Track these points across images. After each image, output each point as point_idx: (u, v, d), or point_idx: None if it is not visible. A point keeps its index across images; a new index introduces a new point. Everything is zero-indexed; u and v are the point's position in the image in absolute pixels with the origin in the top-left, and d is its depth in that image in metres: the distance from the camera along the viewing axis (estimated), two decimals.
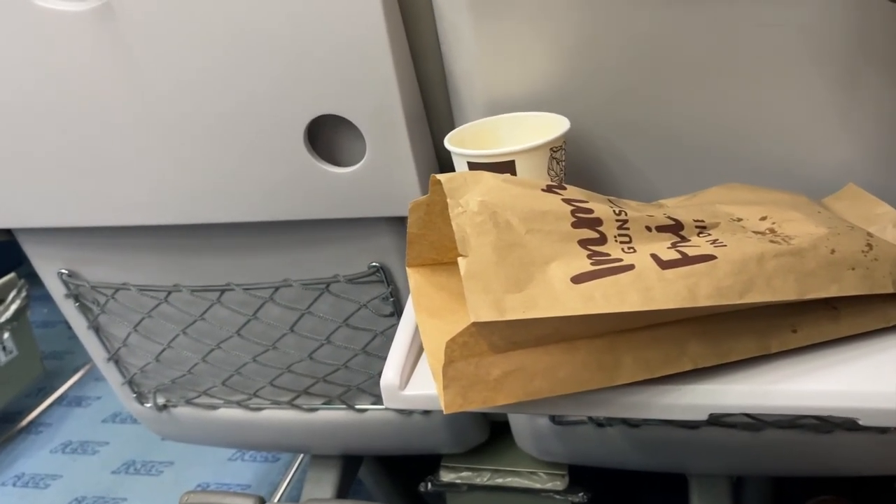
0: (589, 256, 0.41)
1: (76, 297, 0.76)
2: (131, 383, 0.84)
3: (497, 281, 0.38)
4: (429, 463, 0.91)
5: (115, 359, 0.81)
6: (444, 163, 0.59)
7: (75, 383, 1.63)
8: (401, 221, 0.64)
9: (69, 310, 0.78)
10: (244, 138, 0.58)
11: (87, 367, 1.68)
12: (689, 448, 0.74)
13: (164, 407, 0.86)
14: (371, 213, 0.60)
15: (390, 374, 0.46)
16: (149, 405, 0.85)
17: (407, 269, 0.50)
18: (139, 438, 1.43)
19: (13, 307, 1.41)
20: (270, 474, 1.28)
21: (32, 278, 1.48)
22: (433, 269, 0.50)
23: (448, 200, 0.41)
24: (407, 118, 0.55)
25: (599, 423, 0.73)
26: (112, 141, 0.61)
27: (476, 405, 0.39)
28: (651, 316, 0.40)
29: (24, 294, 1.43)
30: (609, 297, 0.38)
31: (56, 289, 0.76)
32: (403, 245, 0.66)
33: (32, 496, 1.32)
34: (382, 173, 0.57)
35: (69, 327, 1.86)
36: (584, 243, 0.41)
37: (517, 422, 0.79)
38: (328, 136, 0.59)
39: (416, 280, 0.49)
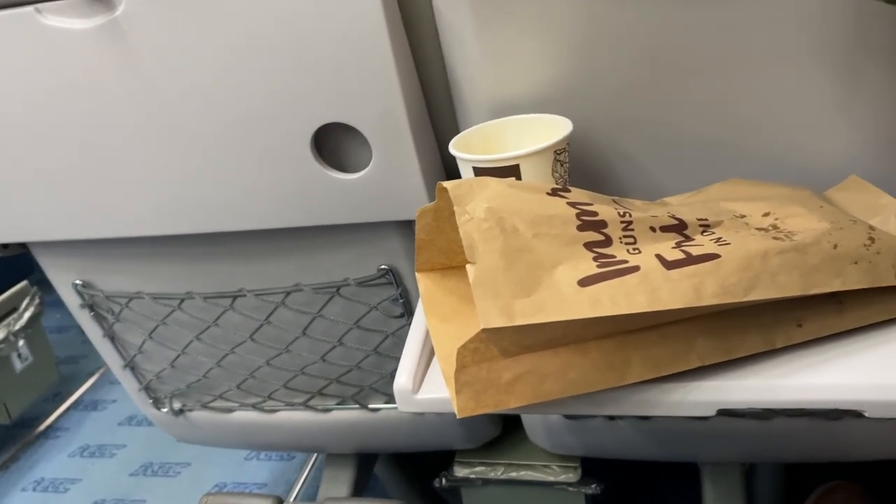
0: (595, 259, 0.41)
1: (91, 307, 0.77)
2: (147, 389, 0.85)
3: (506, 286, 0.39)
4: (444, 457, 0.92)
5: (130, 366, 0.83)
6: (450, 165, 0.60)
7: (91, 387, 1.65)
8: (408, 225, 0.65)
9: (84, 319, 0.79)
10: (252, 148, 0.59)
11: (101, 371, 1.70)
12: (700, 438, 0.75)
13: (181, 411, 0.87)
14: (379, 218, 0.61)
15: (403, 379, 0.47)
16: (165, 410, 0.87)
17: (416, 274, 0.51)
18: (156, 441, 1.45)
19: (27, 315, 1.43)
20: (286, 473, 1.30)
21: (45, 284, 1.49)
22: (443, 273, 0.51)
23: (455, 208, 0.42)
24: (411, 123, 0.56)
25: (610, 417, 0.74)
26: (124, 154, 0.62)
27: (488, 408, 0.40)
28: (658, 316, 0.40)
29: (37, 301, 1.44)
30: (616, 299, 0.39)
31: (71, 299, 0.78)
32: (412, 247, 0.67)
33: (53, 500, 1.34)
34: (389, 178, 0.58)
35: (83, 332, 1.88)
36: (589, 246, 0.42)
37: (529, 417, 0.80)
38: (334, 144, 0.59)
39: (425, 285, 0.50)
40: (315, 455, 1.32)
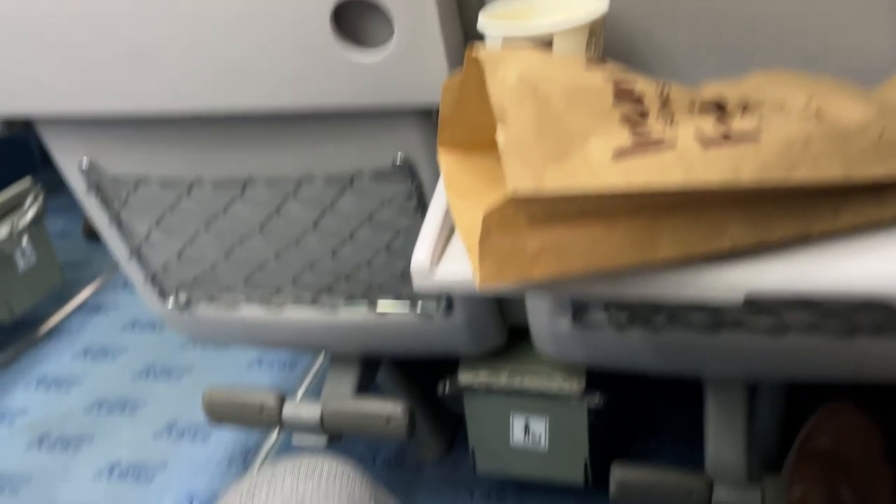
0: (630, 133, 0.40)
1: (97, 191, 0.75)
2: (153, 281, 0.84)
3: (537, 153, 0.37)
4: (446, 370, 0.92)
5: (136, 255, 0.82)
6: None
7: (94, 292, 1.65)
8: (427, 114, 0.62)
9: (91, 205, 0.78)
10: (268, 20, 0.56)
11: (105, 277, 1.70)
12: (709, 353, 0.74)
13: (186, 305, 0.86)
14: (397, 101, 0.59)
15: (421, 257, 0.45)
16: (171, 304, 0.86)
17: (438, 151, 0.49)
18: (158, 346, 1.46)
19: (30, 213, 1.41)
20: (289, 380, 1.31)
21: (49, 187, 1.48)
22: (465, 152, 0.49)
23: (486, 74, 0.40)
24: None
25: (619, 326, 0.73)
26: (133, 25, 0.59)
27: (511, 279, 0.39)
28: (692, 194, 0.39)
29: (40, 200, 1.43)
30: (650, 172, 0.37)
31: (77, 183, 0.76)
32: (430, 139, 0.65)
33: (56, 398, 1.36)
34: (410, 58, 0.56)
35: (86, 237, 1.87)
36: (625, 119, 0.40)
37: (536, 324, 0.80)
38: (355, 23, 0.57)
39: (447, 163, 0.48)
40: (318, 363, 1.33)
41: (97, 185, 0.75)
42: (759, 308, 0.67)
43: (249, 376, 1.34)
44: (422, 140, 0.65)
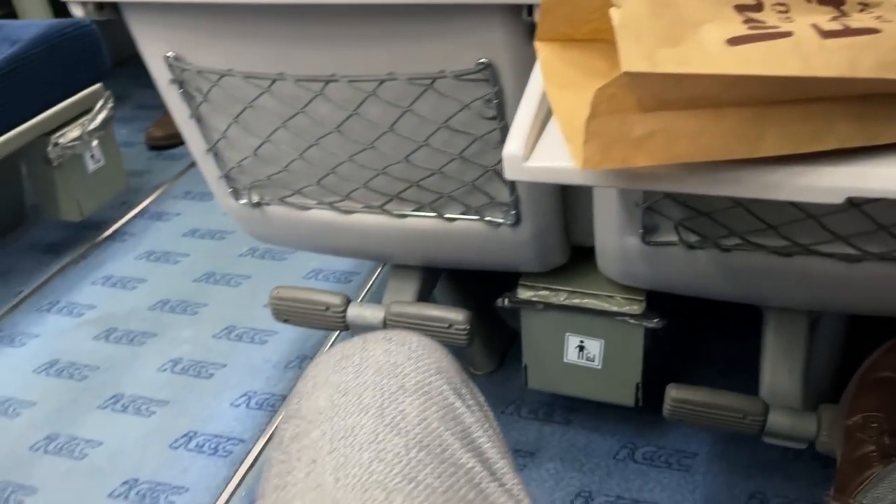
0: (745, 22, 0.39)
1: (181, 84, 0.77)
2: (228, 178, 0.86)
3: (650, 35, 0.37)
4: (503, 289, 0.94)
5: (213, 151, 0.83)
6: None
7: (156, 199, 1.69)
8: (515, 13, 0.62)
9: (172, 98, 0.79)
10: None
11: (166, 186, 1.74)
12: (778, 278, 0.74)
13: (258, 204, 0.89)
14: None
15: (514, 145, 0.46)
16: (243, 201, 0.88)
17: (536, 43, 0.49)
18: (218, 253, 1.50)
19: (100, 117, 1.45)
20: (345, 293, 1.33)
21: (116, 98, 1.51)
22: (564, 44, 0.48)
23: None
24: None
25: (690, 246, 0.73)
26: None
27: (615, 163, 0.39)
28: (805, 87, 0.38)
29: (110, 104, 1.46)
30: (766, 60, 0.37)
31: (161, 74, 0.77)
32: (515, 42, 0.65)
33: (122, 295, 1.41)
34: None
35: (149, 148, 1.92)
36: (740, 9, 0.40)
37: (603, 242, 0.80)
38: None
39: (545, 54, 0.48)
40: (373, 278, 1.35)
41: (181, 77, 0.76)
42: (837, 234, 0.66)
43: (308, 285, 1.37)
44: (506, 44, 0.64)
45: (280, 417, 1.11)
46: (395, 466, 0.36)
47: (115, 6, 0.72)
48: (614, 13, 0.37)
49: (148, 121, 1.93)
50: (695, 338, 1.17)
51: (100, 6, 0.70)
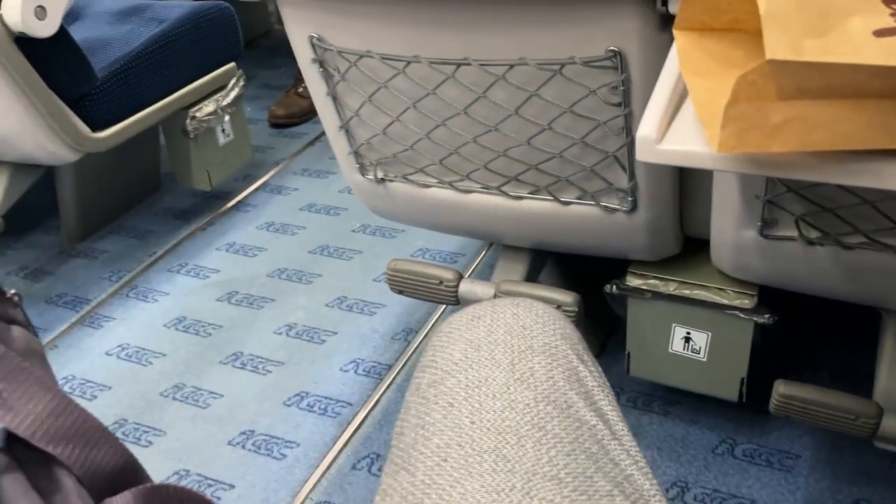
0: (892, 15, 0.40)
1: (321, 63, 0.83)
2: (356, 154, 0.92)
3: (796, 24, 0.38)
4: (609, 276, 0.95)
5: (346, 128, 0.89)
6: None
7: (276, 174, 1.79)
8: (650, 3, 0.63)
9: (312, 76, 0.85)
10: None
11: (286, 162, 1.84)
12: None
13: (382, 180, 0.94)
14: None
15: (648, 128, 0.48)
16: (369, 177, 0.94)
17: (674, 31, 0.51)
18: (332, 227, 1.58)
19: (233, 94, 1.55)
20: None
21: (246, 77, 1.61)
22: (701, 33, 0.50)
23: None
24: None
25: (810, 241, 0.73)
26: None
27: (750, 148, 0.41)
28: None
29: (242, 83, 1.56)
30: None
31: (304, 53, 0.83)
32: (646, 31, 0.66)
33: (244, 261, 1.51)
34: None
35: (271, 125, 2.02)
36: (887, 1, 0.40)
37: (719, 235, 0.80)
38: None
39: (683, 43, 0.50)
40: (480, 257, 1.39)
41: (322, 57, 0.82)
42: None
43: None
44: (638, 33, 0.66)
45: (387, 382, 1.17)
46: (526, 415, 0.39)
47: None
48: (761, 2, 0.39)
49: (271, 100, 2.04)
50: (804, 339, 1.14)
51: None
